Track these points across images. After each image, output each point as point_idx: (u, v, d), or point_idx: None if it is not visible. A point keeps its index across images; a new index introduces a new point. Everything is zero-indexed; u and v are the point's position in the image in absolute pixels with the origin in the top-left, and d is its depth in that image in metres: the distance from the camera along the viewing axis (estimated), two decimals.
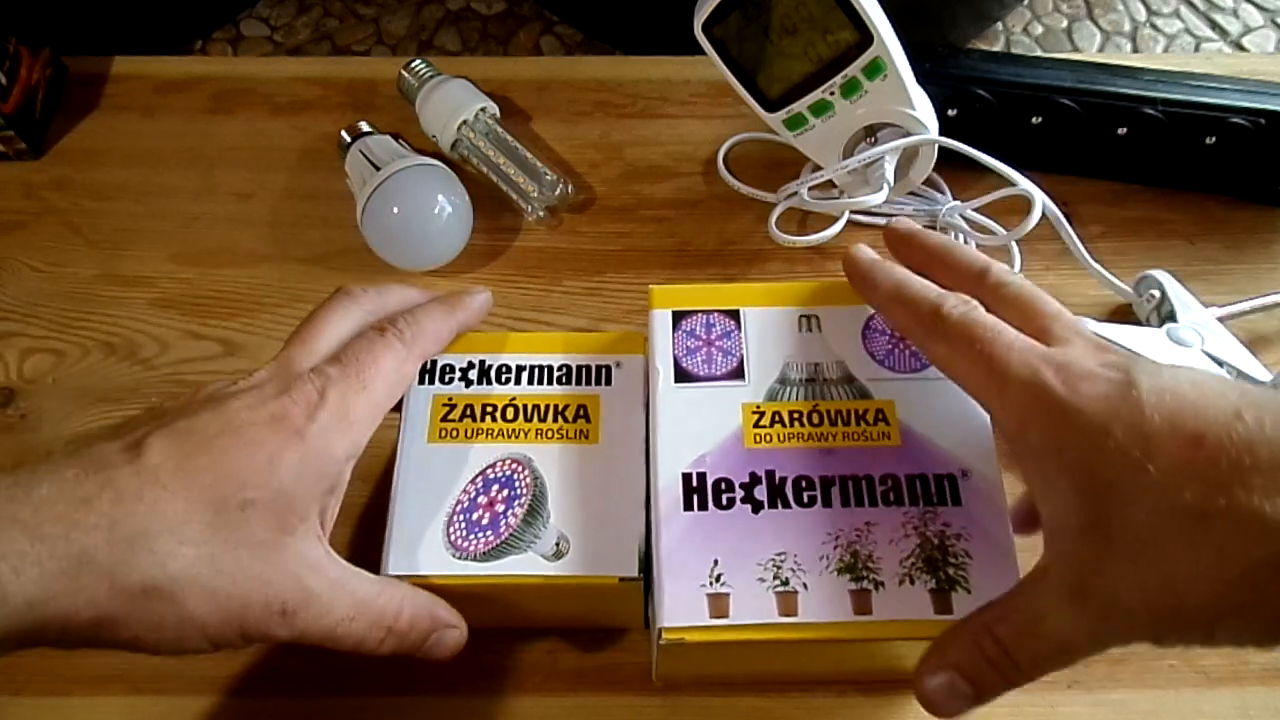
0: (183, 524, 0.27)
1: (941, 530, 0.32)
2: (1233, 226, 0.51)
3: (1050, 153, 0.51)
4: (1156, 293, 0.46)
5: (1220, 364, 0.43)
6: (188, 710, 0.39)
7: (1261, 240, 0.51)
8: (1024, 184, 0.46)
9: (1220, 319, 0.45)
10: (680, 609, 0.30)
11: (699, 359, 0.35)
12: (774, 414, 0.34)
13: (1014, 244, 0.49)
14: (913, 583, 0.31)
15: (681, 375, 0.34)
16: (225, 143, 0.56)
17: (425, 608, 0.32)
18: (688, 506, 0.32)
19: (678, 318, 0.36)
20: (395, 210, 0.47)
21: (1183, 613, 0.25)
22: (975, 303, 0.31)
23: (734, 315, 0.36)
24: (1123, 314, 0.48)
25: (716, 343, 0.35)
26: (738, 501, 0.32)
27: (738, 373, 0.35)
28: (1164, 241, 0.51)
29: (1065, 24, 1.19)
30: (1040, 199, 0.45)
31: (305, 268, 0.51)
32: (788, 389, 0.34)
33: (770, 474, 0.33)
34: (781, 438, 0.33)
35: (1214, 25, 1.19)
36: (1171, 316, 0.44)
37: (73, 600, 0.26)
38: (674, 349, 0.35)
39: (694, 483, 0.32)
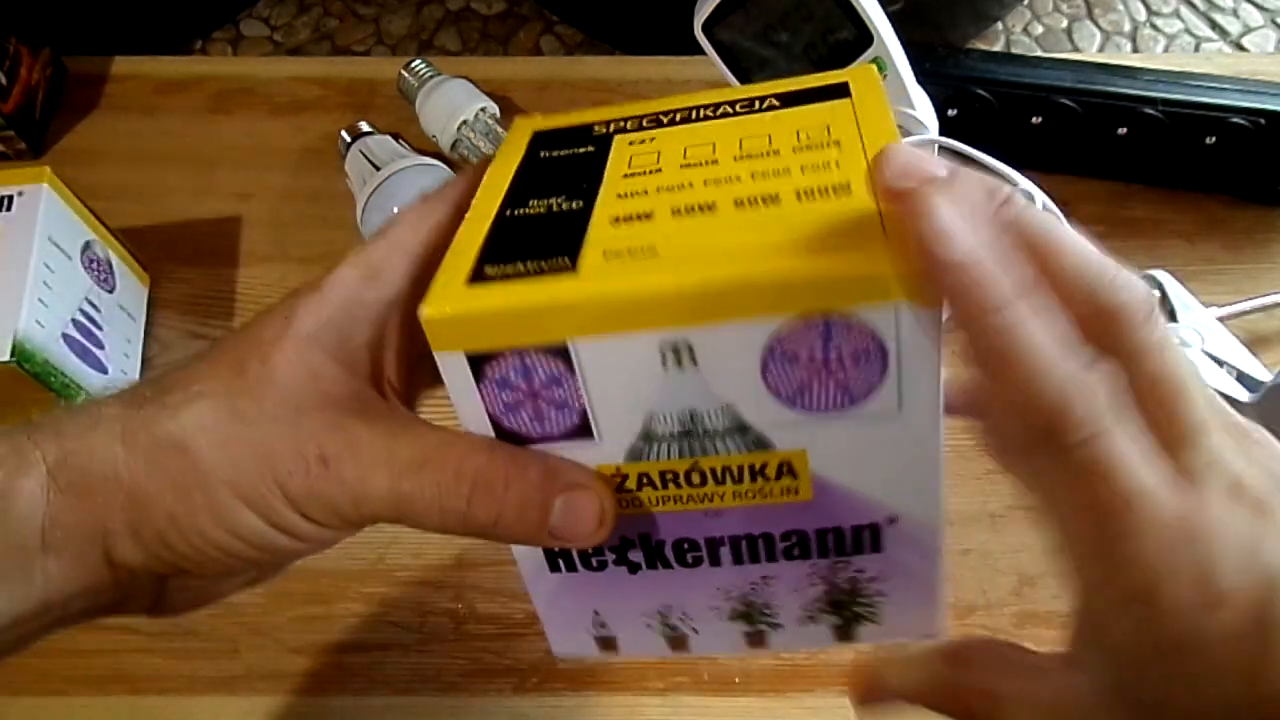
0: (199, 379, 0.25)
1: (854, 577, 0.26)
2: (1233, 226, 0.51)
3: (1050, 153, 0.51)
4: (1156, 293, 0.46)
5: (1220, 364, 0.43)
6: (188, 710, 0.39)
7: (1261, 240, 0.51)
8: (1024, 184, 0.46)
9: (1220, 319, 0.45)
10: (569, 646, 0.28)
11: (524, 416, 0.24)
12: (640, 476, 0.25)
13: None
14: (815, 622, 0.27)
15: (507, 436, 0.24)
16: (225, 143, 0.56)
17: (535, 456, 0.24)
18: (554, 568, 0.27)
19: (477, 364, 0.23)
20: (395, 210, 0.47)
21: None
22: (1109, 416, 0.20)
23: (562, 356, 0.22)
24: None
25: (543, 393, 0.24)
26: (610, 564, 0.27)
27: (582, 430, 0.24)
28: (1164, 241, 0.51)
29: (1065, 24, 1.19)
30: (1040, 199, 0.45)
31: (305, 268, 0.51)
32: (656, 446, 0.24)
33: (645, 537, 0.26)
34: (654, 501, 0.25)
35: (1214, 25, 1.19)
36: (1171, 316, 0.44)
37: (88, 467, 0.24)
38: (486, 407, 0.24)
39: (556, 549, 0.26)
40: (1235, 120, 0.48)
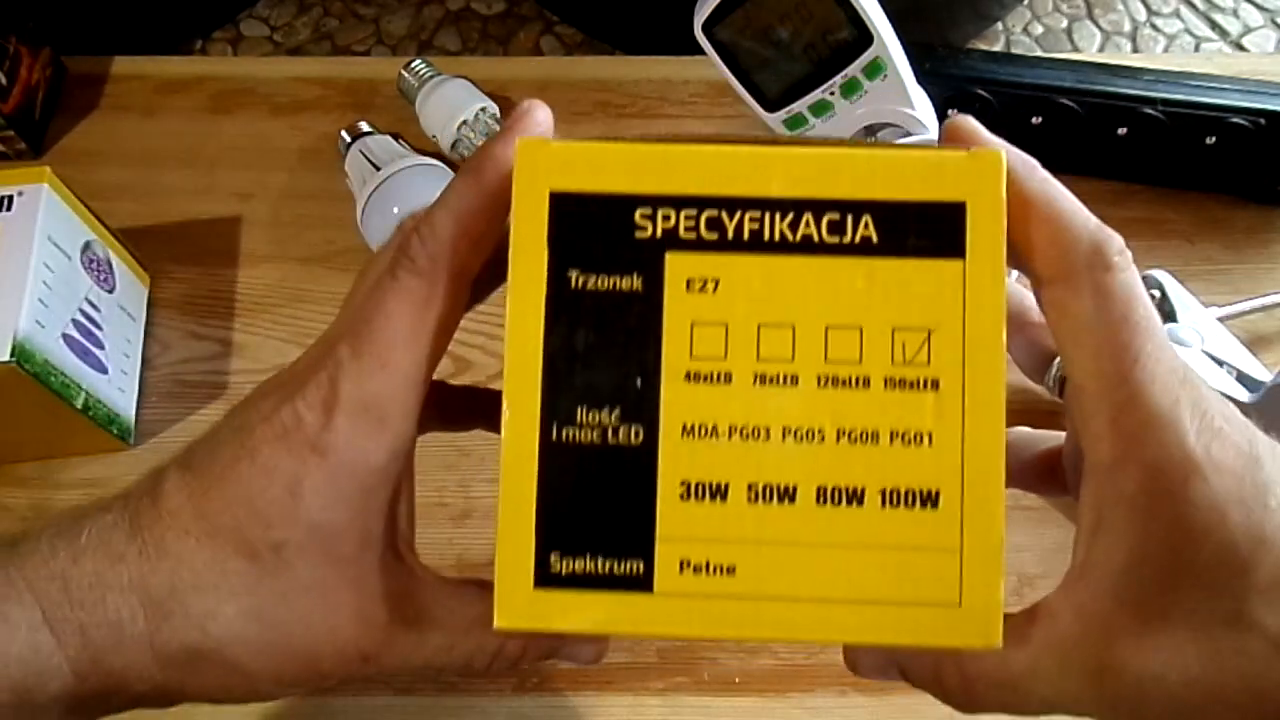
0: (216, 577, 0.23)
1: None
2: (1233, 226, 0.51)
3: (1050, 153, 0.50)
4: (1156, 293, 0.46)
5: (1220, 364, 0.43)
6: (188, 710, 0.39)
7: (1261, 240, 0.51)
8: None
9: (1220, 319, 0.45)
10: None
11: None
12: None
13: None
14: None
15: None
16: (225, 143, 0.56)
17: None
18: None
19: None
20: (395, 210, 0.47)
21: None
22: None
23: None
24: None
25: None
26: None
27: None
28: (1164, 241, 0.51)
29: (1065, 24, 1.19)
30: None
31: (305, 268, 0.51)
32: None
33: None
34: None
35: (1214, 25, 1.19)
36: (1171, 316, 0.44)
37: (122, 672, 0.23)
38: None
39: None
40: (1235, 120, 0.48)
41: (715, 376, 0.21)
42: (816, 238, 0.21)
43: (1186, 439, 0.21)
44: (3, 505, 0.45)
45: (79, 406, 0.43)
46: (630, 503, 0.21)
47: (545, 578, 0.21)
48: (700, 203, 0.21)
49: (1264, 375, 0.42)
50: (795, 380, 0.21)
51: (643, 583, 0.21)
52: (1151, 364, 0.21)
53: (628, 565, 0.21)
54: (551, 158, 0.22)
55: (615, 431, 0.21)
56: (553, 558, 0.21)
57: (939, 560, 0.21)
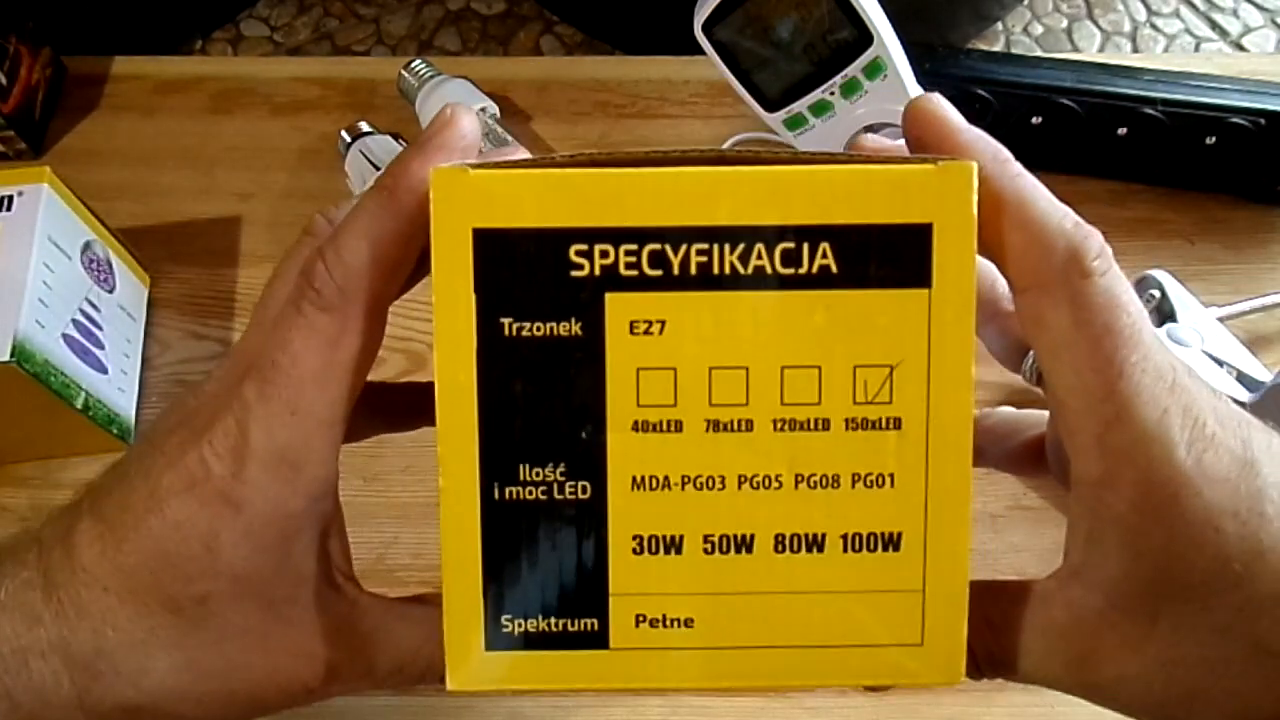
0: (143, 633, 0.22)
1: None
2: (1233, 226, 0.51)
3: (1050, 153, 0.51)
4: (1156, 293, 0.46)
5: (1220, 364, 0.43)
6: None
7: (1261, 240, 0.51)
8: None
9: (1220, 319, 0.45)
10: None
11: None
12: None
13: None
14: None
15: None
16: (225, 143, 0.56)
17: None
18: None
19: None
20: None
21: None
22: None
23: None
24: None
25: None
26: None
27: None
28: (1164, 241, 0.51)
29: (1065, 24, 1.19)
30: None
31: None
32: None
33: None
34: None
35: (1214, 25, 1.18)
36: (1171, 316, 0.44)
37: None
38: None
39: None
40: (1235, 120, 0.48)
41: (665, 425, 0.20)
42: (770, 270, 0.19)
43: (1176, 453, 0.20)
44: (3, 505, 0.45)
45: (79, 406, 0.43)
46: (581, 560, 0.20)
47: (497, 639, 0.20)
48: (641, 236, 0.19)
49: (1264, 375, 0.42)
50: (750, 425, 0.20)
51: (598, 639, 0.20)
52: (1137, 375, 0.20)
53: (581, 623, 0.20)
54: (471, 190, 0.19)
55: (560, 487, 0.20)
56: (503, 620, 0.20)
57: (900, 601, 0.20)
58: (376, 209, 0.21)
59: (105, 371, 0.45)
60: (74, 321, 0.43)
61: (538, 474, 0.20)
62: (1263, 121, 0.47)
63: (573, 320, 0.19)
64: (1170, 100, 0.48)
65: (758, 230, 0.19)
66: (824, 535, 0.20)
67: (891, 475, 0.20)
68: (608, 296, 0.19)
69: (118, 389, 0.46)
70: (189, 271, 0.51)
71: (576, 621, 0.20)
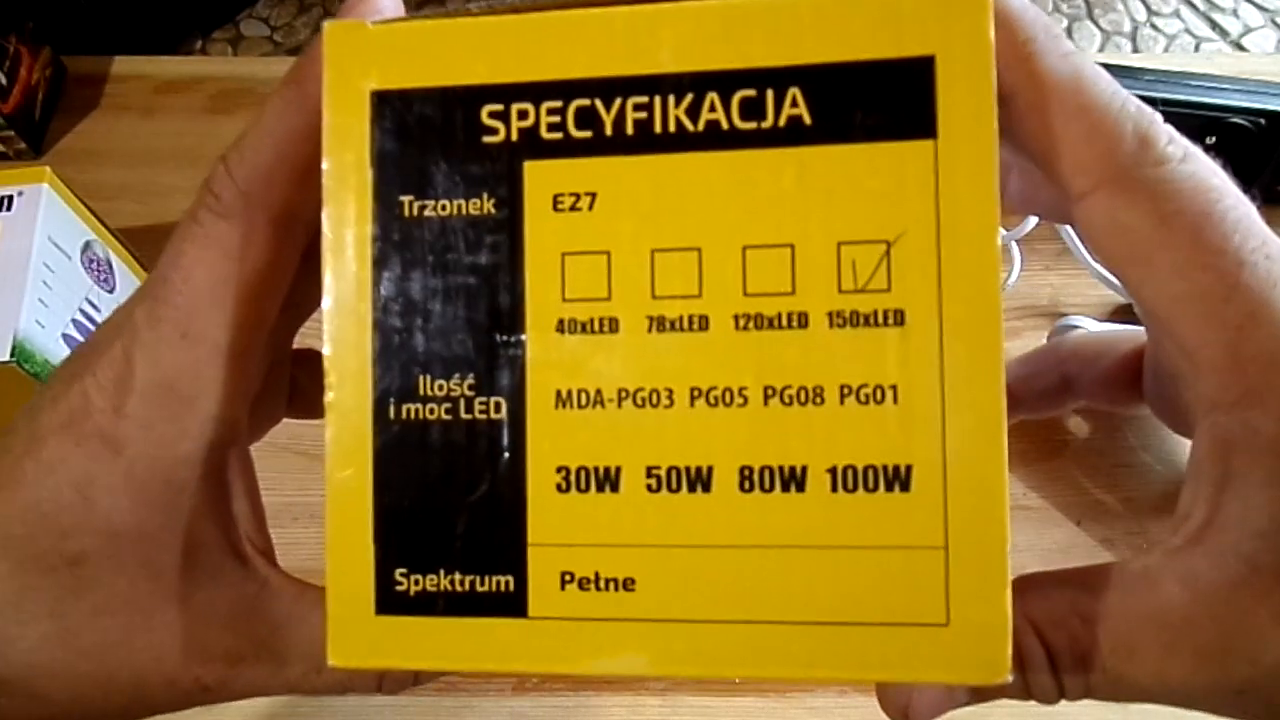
0: (13, 594, 0.19)
1: None
2: None
3: None
4: None
5: None
6: (185, 710, 0.39)
7: None
8: None
9: None
10: None
11: None
12: None
13: (1014, 244, 0.49)
14: None
15: None
16: (225, 143, 0.54)
17: None
18: None
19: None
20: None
21: None
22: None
23: None
24: (1123, 314, 0.48)
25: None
26: None
27: None
28: None
29: (1065, 24, 1.19)
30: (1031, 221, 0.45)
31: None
32: None
33: None
34: None
35: (1214, 25, 1.19)
36: None
37: None
38: None
39: None
40: (1235, 120, 0.48)
41: (597, 325, 0.16)
42: (726, 125, 0.15)
43: None
44: None
45: None
46: (492, 498, 0.16)
47: (390, 601, 0.16)
48: (566, 90, 0.16)
49: None
50: (705, 324, 0.15)
51: (513, 604, 0.16)
52: (1263, 263, 0.16)
53: (492, 581, 0.16)
54: (369, 45, 0.16)
55: (469, 404, 0.16)
56: (398, 574, 0.16)
57: (914, 561, 0.15)
58: (282, 104, 0.18)
59: None
60: (74, 321, 0.43)
61: (440, 387, 0.16)
62: (1263, 121, 0.47)
63: (484, 196, 0.16)
64: (1170, 100, 0.48)
65: (709, 76, 0.15)
66: (804, 469, 0.15)
67: (894, 388, 0.15)
68: (527, 165, 0.16)
69: None
70: None
71: (486, 579, 0.16)
